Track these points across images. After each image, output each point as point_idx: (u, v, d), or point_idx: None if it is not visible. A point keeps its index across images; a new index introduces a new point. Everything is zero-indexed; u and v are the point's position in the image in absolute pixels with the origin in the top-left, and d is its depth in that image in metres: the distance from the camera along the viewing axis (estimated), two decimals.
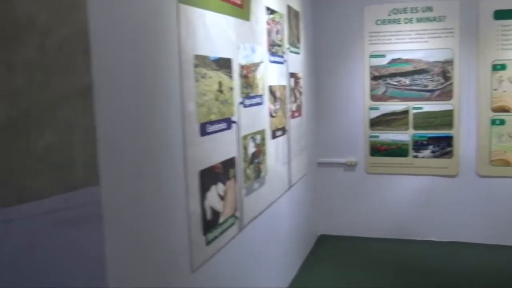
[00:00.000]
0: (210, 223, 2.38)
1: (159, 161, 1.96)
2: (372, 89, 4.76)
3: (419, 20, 4.55)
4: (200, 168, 2.28)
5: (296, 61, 4.08)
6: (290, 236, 3.94)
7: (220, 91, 2.50)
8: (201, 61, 2.28)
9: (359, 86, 4.79)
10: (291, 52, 3.92)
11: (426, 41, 4.54)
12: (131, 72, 1.76)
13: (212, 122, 2.39)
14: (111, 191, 1.62)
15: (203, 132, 2.31)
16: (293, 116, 3.96)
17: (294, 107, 4.00)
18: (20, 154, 1.65)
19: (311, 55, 4.68)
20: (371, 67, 4.73)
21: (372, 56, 4.72)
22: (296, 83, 4.08)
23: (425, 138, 4.66)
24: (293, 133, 3.97)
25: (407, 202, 4.78)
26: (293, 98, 3.97)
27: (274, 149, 3.43)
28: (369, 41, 4.69)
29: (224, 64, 2.54)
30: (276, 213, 3.51)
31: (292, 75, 3.95)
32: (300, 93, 4.22)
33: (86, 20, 1.51)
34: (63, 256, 1.64)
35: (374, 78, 4.73)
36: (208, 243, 2.36)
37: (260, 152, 3.10)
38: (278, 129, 3.51)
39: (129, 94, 1.74)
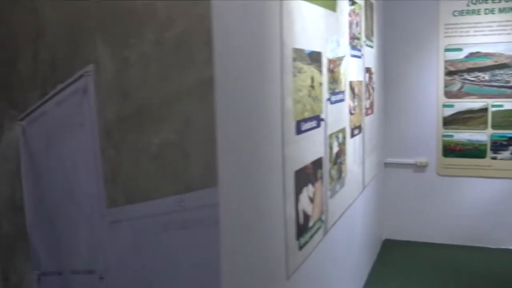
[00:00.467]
0: (302, 227, 2.33)
1: (263, 161, 1.92)
2: (446, 85, 4.62)
3: (501, 10, 4.39)
4: (295, 168, 2.24)
5: (370, 55, 4.00)
6: (361, 241, 3.87)
7: (312, 86, 2.44)
8: (298, 54, 2.23)
9: (432, 81, 4.66)
10: (367, 45, 3.83)
11: (509, 33, 4.38)
12: (245, 65, 1.73)
13: (305, 120, 2.35)
14: (227, 192, 1.58)
15: (298, 130, 2.26)
16: (366, 114, 3.88)
17: (367, 104, 3.92)
18: (131, 152, 1.63)
19: (381, 48, 4.58)
20: (446, 61, 4.60)
21: (447, 50, 4.58)
22: (370, 78, 3.99)
23: (505, 138, 4.50)
24: (367, 131, 3.89)
25: (483, 207, 4.63)
26: (367, 95, 3.89)
27: (352, 148, 3.37)
28: (445, 34, 4.56)
29: (316, 58, 2.48)
30: (351, 217, 3.45)
31: (367, 70, 3.87)
32: (373, 89, 4.13)
33: (209, 11, 1.48)
34: (174, 261, 1.62)
35: (449, 73, 4.60)
36: (300, 248, 2.32)
37: (341, 151, 3.04)
38: (355, 127, 3.44)
39: (242, 89, 1.71)
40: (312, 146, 2.47)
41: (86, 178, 1.70)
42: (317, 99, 2.52)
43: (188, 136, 1.55)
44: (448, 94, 4.62)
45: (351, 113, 3.28)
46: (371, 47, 4.03)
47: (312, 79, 2.44)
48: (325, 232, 2.73)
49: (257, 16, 1.85)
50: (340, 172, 3.01)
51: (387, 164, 4.84)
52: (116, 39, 1.60)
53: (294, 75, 2.19)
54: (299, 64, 2.24)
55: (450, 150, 4.67)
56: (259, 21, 1.87)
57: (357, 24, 3.43)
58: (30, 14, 1.72)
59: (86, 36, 1.64)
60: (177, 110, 1.55)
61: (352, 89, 3.31)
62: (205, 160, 1.54)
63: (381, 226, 4.80)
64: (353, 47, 3.33)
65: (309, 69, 2.39)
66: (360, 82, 3.57)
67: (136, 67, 1.58)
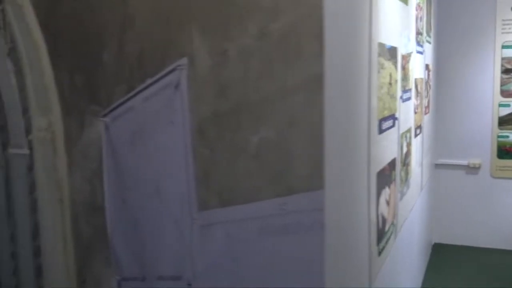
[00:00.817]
0: (380, 231, 2.24)
1: (354, 161, 1.83)
2: (502, 84, 4.48)
3: None
4: (377, 170, 2.14)
5: (429, 51, 3.88)
6: (418, 246, 3.76)
7: (390, 83, 2.34)
8: (381, 49, 2.14)
9: (487, 80, 4.51)
10: (426, 41, 3.72)
11: None
12: (346, 60, 1.64)
13: (385, 119, 2.25)
14: (331, 196, 1.49)
15: (380, 129, 2.17)
16: (425, 112, 3.76)
17: (426, 102, 3.80)
18: (227, 152, 1.55)
19: (436, 44, 4.45)
20: (503, 59, 4.45)
21: (504, 47, 4.43)
22: (428, 75, 3.87)
23: None
24: (425, 131, 3.77)
25: None
26: (425, 93, 3.77)
27: (415, 149, 3.26)
28: (502, 30, 4.41)
29: (393, 53, 2.38)
30: (411, 220, 3.34)
31: (426, 66, 3.75)
32: (430, 87, 4.01)
33: (321, 0, 1.38)
34: (272, 268, 1.53)
35: (505, 71, 4.45)
36: (379, 253, 2.22)
37: (409, 152, 2.94)
38: (417, 127, 3.33)
39: (344, 86, 1.62)
40: (389, 146, 2.37)
41: (176, 179, 1.62)
42: (393, 97, 2.42)
43: (292, 135, 1.46)
44: (505, 93, 4.48)
45: (415, 112, 3.18)
46: (429, 42, 3.91)
47: (390, 76, 2.34)
48: (395, 236, 2.63)
49: (352, 6, 1.76)
50: (407, 173, 2.91)
51: (438, 165, 4.70)
52: (214, 30, 1.52)
53: (378, 72, 2.10)
54: (381, 60, 2.15)
55: (506, 151, 4.53)
56: (354, 12, 1.78)
57: (421, 18, 3.31)
58: (118, 2, 1.65)
59: (180, 26, 1.56)
60: (280, 107, 1.47)
61: (416, 86, 3.20)
62: (311, 161, 1.45)
63: (431, 230, 4.67)
64: (417, 43, 3.22)
65: (388, 65, 2.29)
66: (421, 79, 3.46)
67: (236, 61, 1.50)
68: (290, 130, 1.46)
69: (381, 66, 2.14)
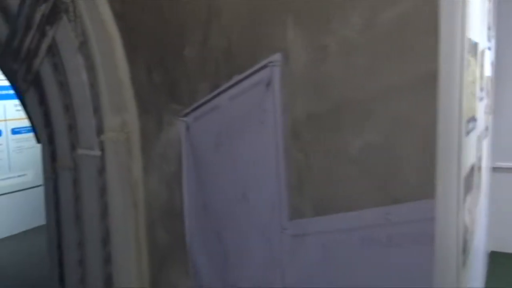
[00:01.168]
0: (464, 241, 2.13)
1: (451, 167, 1.73)
2: None
3: None
4: (464, 175, 2.03)
5: (492, 47, 3.75)
6: (481, 254, 3.64)
7: (473, 82, 2.24)
8: (470, 46, 2.03)
9: None
10: (492, 36, 3.59)
11: None
12: (452, 56, 1.54)
13: (469, 120, 2.14)
14: (441, 205, 1.40)
15: (467, 131, 2.06)
16: (490, 113, 3.63)
17: (489, 101, 3.67)
18: (324, 156, 1.47)
19: (496, 39, 4.31)
20: None
21: None
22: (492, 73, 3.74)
23: None
24: (490, 132, 3.64)
25: None
26: (491, 91, 3.64)
27: (485, 152, 3.14)
28: None
29: (475, 49, 2.27)
30: (479, 227, 3.22)
31: (491, 63, 3.62)
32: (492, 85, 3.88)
33: None
34: (374, 282, 1.45)
35: None
36: (463, 264, 2.12)
37: (482, 155, 2.82)
38: (486, 128, 3.21)
39: (452, 84, 1.53)
40: (471, 150, 2.27)
41: (266, 184, 1.55)
42: (474, 96, 2.31)
43: (400, 138, 1.38)
44: None
45: (485, 112, 3.06)
46: (493, 37, 3.78)
47: (473, 73, 2.23)
48: (472, 246, 2.53)
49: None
50: (479, 178, 2.79)
51: (495, 169, 4.55)
52: (312, 22, 1.44)
53: (466, 69, 1.99)
54: (468, 57, 2.04)
55: None
56: (452, 4, 1.68)
57: (489, 12, 3.19)
58: None
59: (273, 18, 1.48)
60: (386, 107, 1.38)
61: (486, 85, 3.08)
62: (422, 167, 1.36)
63: (487, 237, 4.53)
64: (488, 38, 3.09)
65: (473, 63, 2.18)
66: (489, 77, 3.34)
67: (337, 57, 1.42)
68: (398, 133, 1.38)
69: (468, 63, 2.04)
